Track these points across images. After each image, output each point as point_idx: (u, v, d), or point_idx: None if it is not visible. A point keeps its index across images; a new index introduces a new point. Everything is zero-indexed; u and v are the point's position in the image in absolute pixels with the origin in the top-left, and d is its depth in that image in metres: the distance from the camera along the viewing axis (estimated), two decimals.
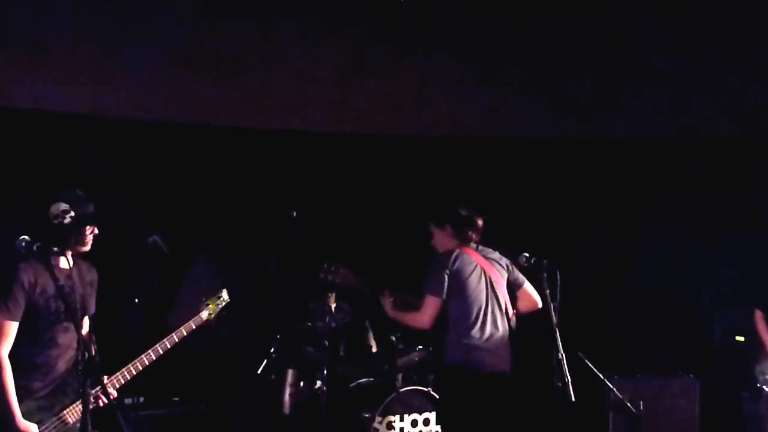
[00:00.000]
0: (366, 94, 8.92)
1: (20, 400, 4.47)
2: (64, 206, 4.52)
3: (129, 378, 4.84)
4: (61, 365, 4.63)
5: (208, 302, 5.37)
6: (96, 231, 4.72)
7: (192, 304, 8.03)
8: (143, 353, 4.92)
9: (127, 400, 6.46)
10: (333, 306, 7.68)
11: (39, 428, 4.49)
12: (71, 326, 4.55)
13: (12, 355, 4.49)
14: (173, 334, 5.06)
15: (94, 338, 4.68)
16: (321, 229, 8.31)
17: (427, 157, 9.02)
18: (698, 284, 9.10)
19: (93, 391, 4.52)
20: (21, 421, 4.40)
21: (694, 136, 9.27)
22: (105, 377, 4.72)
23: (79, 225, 4.60)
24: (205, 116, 8.41)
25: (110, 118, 8.00)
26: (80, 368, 4.35)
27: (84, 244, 4.71)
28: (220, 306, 5.41)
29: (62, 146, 7.66)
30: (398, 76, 8.95)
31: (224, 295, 5.47)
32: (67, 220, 4.50)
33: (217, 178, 8.39)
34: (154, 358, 4.94)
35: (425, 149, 9.10)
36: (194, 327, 5.21)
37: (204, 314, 5.31)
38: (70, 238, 4.63)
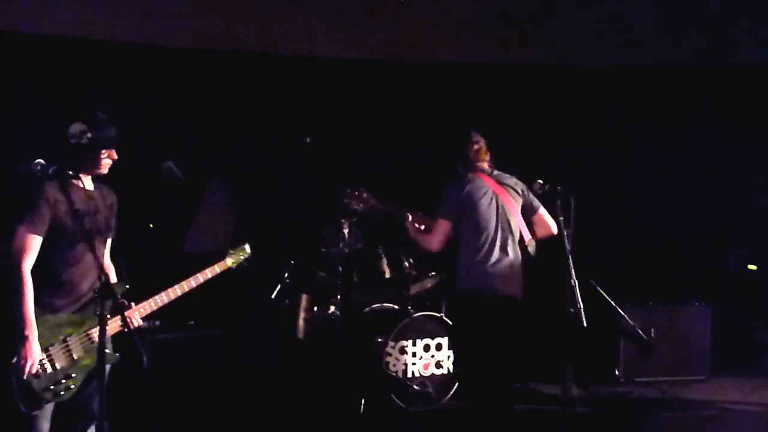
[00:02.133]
0: (383, 19, 8.84)
1: (50, 313, 4.53)
2: (82, 127, 4.53)
3: (150, 311, 4.87)
4: (85, 284, 4.65)
5: (233, 252, 5.44)
6: (114, 155, 4.72)
7: (207, 229, 8.11)
8: (168, 288, 4.97)
9: (144, 324, 6.54)
10: (347, 232, 7.71)
11: (67, 341, 4.54)
12: (93, 246, 4.59)
13: (36, 273, 4.51)
14: (198, 274, 5.11)
15: (113, 260, 4.74)
16: (335, 154, 8.31)
17: (442, 84, 8.96)
18: (713, 212, 9.09)
19: (118, 317, 4.58)
20: (32, 334, 4.41)
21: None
22: (133, 304, 4.78)
23: (95, 147, 4.60)
24: (218, 41, 8.36)
25: (124, 43, 7.95)
26: (96, 291, 4.38)
27: (99, 167, 4.70)
28: (242, 257, 5.47)
29: (78, 71, 7.63)
30: (417, 2, 8.87)
31: (247, 248, 5.51)
32: (84, 140, 4.52)
33: (231, 103, 8.36)
34: (180, 293, 4.97)
35: (441, 75, 9.03)
36: (218, 271, 5.28)
37: (228, 261, 5.39)
38: (86, 159, 4.64)
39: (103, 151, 4.66)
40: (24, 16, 7.49)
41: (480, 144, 5.89)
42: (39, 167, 4.32)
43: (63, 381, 4.52)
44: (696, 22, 8.99)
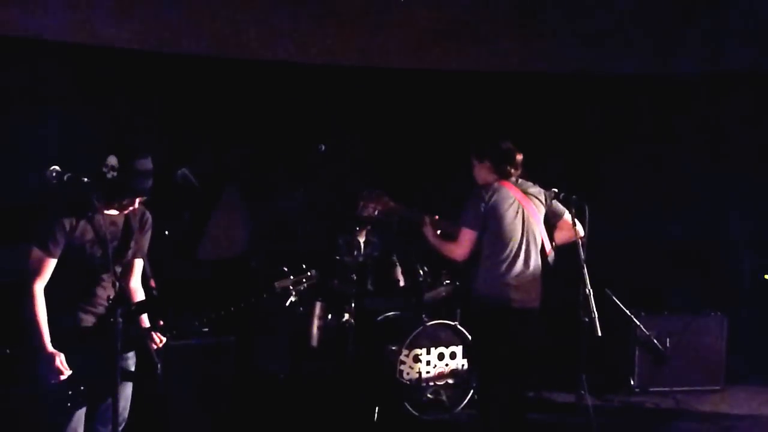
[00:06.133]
0: (398, 26, 8.85)
1: (68, 323, 4.53)
2: (117, 164, 4.40)
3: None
4: (102, 299, 4.62)
5: (290, 273, 5.15)
6: (136, 203, 4.59)
7: (221, 237, 8.11)
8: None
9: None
10: (362, 241, 7.72)
11: (81, 354, 4.51)
12: (109, 269, 4.56)
13: (55, 284, 4.48)
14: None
15: (150, 281, 4.61)
16: (350, 162, 8.32)
17: (455, 92, 8.97)
18: (729, 221, 9.05)
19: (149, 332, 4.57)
20: (49, 347, 4.41)
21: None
22: (161, 322, 4.69)
23: (123, 192, 4.48)
24: (234, 49, 8.39)
25: (141, 51, 7.98)
26: (110, 299, 4.37)
27: (122, 208, 4.58)
28: (305, 283, 5.17)
29: (92, 78, 7.66)
30: (432, 6, 8.87)
31: (313, 273, 5.22)
32: (110, 176, 4.39)
33: (247, 111, 8.38)
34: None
35: (454, 83, 9.04)
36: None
37: (278, 285, 5.14)
38: (111, 196, 4.49)
39: (127, 199, 4.55)
40: (28, 20, 7.53)
41: (519, 157, 5.83)
42: (54, 174, 4.29)
43: (70, 392, 4.49)
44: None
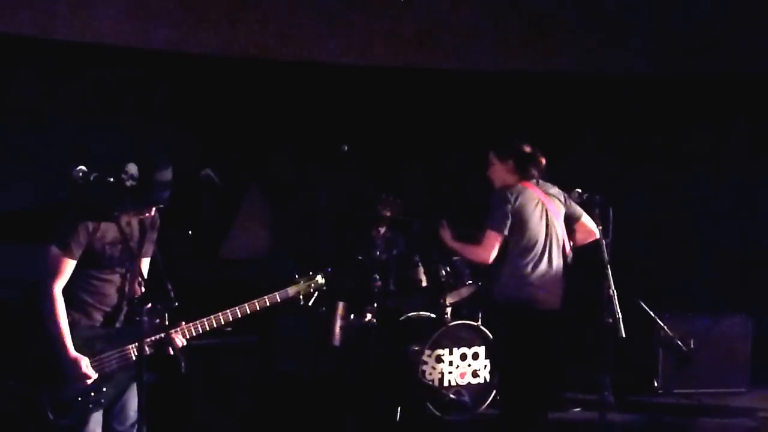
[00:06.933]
0: (414, 27, 8.87)
1: (85, 325, 4.53)
2: (133, 170, 4.36)
3: (201, 332, 4.73)
4: (120, 300, 4.60)
5: (300, 279, 5.13)
6: (152, 211, 4.61)
7: (244, 237, 8.13)
8: (220, 312, 4.79)
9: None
10: (378, 237, 7.68)
11: (102, 355, 4.51)
12: (125, 270, 4.57)
13: (72, 286, 4.47)
14: (255, 301, 4.88)
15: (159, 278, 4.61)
16: (373, 163, 8.32)
17: (479, 93, 8.96)
18: (755, 222, 8.99)
19: (172, 331, 4.53)
20: (72, 351, 4.40)
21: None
22: (183, 323, 4.67)
23: (141, 202, 4.49)
24: (256, 50, 8.40)
25: (161, 51, 8.01)
26: (135, 300, 4.37)
27: (138, 214, 4.58)
28: (312, 288, 5.19)
29: (115, 79, 7.70)
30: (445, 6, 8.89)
31: (320, 279, 5.18)
32: (128, 184, 4.35)
33: (269, 111, 8.39)
34: (231, 319, 4.81)
35: (476, 84, 9.03)
36: (279, 300, 4.99)
37: (291, 290, 5.07)
38: (129, 202, 4.47)
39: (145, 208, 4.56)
40: (59, 22, 7.57)
41: (543, 161, 5.80)
42: (81, 174, 4.29)
43: (92, 393, 4.49)
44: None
